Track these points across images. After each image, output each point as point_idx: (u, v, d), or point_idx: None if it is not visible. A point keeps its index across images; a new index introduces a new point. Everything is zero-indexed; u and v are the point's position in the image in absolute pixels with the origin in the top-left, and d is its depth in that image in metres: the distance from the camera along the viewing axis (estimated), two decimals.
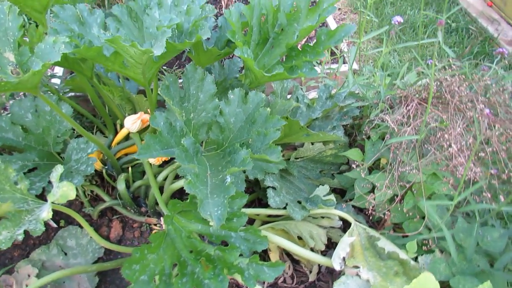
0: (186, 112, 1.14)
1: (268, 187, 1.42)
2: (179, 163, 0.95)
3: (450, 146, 1.13)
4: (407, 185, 1.32)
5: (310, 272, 1.57)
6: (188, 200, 1.23)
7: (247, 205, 1.80)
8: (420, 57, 2.92)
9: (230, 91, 1.16)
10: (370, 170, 1.68)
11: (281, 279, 1.58)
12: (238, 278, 1.13)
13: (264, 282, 1.53)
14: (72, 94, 1.90)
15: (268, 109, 1.15)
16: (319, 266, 1.57)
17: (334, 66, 2.30)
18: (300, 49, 1.38)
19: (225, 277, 1.12)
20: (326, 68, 2.15)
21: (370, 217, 1.68)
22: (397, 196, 1.39)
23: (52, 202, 0.96)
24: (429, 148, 1.22)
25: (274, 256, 1.51)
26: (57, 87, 1.77)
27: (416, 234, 1.35)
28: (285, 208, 1.37)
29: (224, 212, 0.86)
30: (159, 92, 1.07)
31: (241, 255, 1.17)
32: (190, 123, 1.15)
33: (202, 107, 1.17)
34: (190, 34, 1.18)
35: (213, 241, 1.23)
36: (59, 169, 0.98)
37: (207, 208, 0.85)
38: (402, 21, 1.30)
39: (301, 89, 2.22)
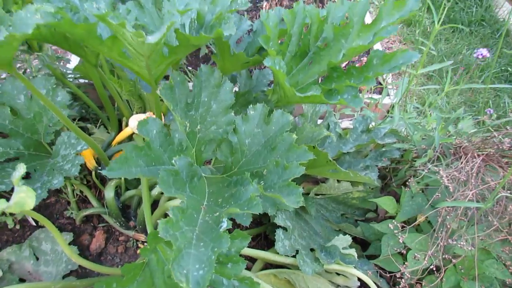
0: (192, 122, 0.92)
1: (279, 226, 1.18)
2: (163, 190, 0.72)
3: None
4: (453, 260, 1.05)
5: None
6: None
7: (251, 239, 1.56)
8: (472, 102, 2.63)
9: (250, 105, 0.94)
10: (402, 226, 1.42)
11: None
12: None
13: None
14: (85, 80, 1.72)
15: (294, 135, 0.91)
16: None
17: (376, 96, 2.05)
18: (345, 71, 1.14)
19: None
20: (365, 97, 1.90)
21: (396, 286, 1.41)
22: (434, 267, 1.12)
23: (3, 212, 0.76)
24: (491, 220, 0.95)
25: None
26: (69, 71, 1.59)
27: None
28: (294, 256, 1.13)
29: (207, 275, 0.62)
30: (158, 92, 0.86)
31: None
32: (194, 136, 0.93)
33: (212, 120, 0.94)
34: (210, 27, 0.97)
35: None
36: (21, 169, 0.78)
37: (185, 264, 0.61)
38: (488, 55, 1.05)
39: (334, 115, 1.98)
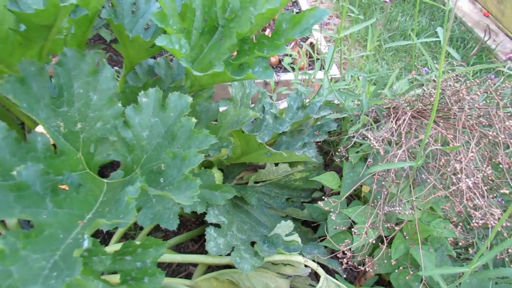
0: (67, 120, 0.77)
1: (209, 224, 1.06)
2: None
3: (456, 174, 0.78)
4: (396, 227, 0.97)
5: None
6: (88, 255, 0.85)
7: (191, 240, 1.43)
8: (411, 67, 2.61)
9: (142, 92, 0.80)
10: (350, 199, 1.33)
11: None
12: None
13: None
14: None
15: (194, 119, 0.79)
16: None
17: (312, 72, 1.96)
18: (255, 41, 1.03)
19: None
20: (301, 73, 1.81)
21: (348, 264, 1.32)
22: (382, 239, 1.04)
23: None
24: (427, 178, 0.87)
25: None
26: None
27: None
28: (230, 254, 1.01)
29: None
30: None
31: None
32: (76, 137, 0.78)
33: (96, 114, 0.80)
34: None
35: None
36: None
37: None
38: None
39: (270, 97, 1.88)
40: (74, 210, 0.67)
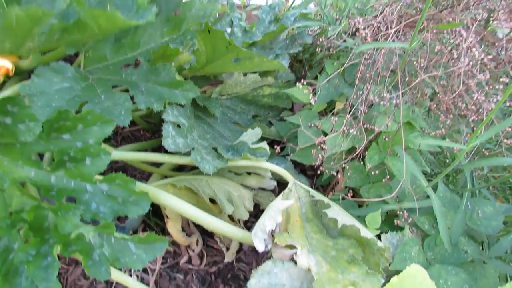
0: None
1: (167, 122, 0.93)
2: None
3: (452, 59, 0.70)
4: (374, 130, 0.89)
5: (228, 249, 1.12)
6: (11, 122, 0.70)
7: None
8: None
9: None
10: (323, 116, 1.25)
11: (185, 258, 1.10)
12: (82, 260, 0.63)
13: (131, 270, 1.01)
14: None
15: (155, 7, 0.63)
16: (241, 242, 1.12)
17: None
18: None
19: (54, 260, 0.62)
20: None
21: (316, 180, 1.26)
22: (355, 150, 0.96)
23: None
24: (413, 72, 0.79)
25: (173, 226, 1.03)
26: None
27: (379, 203, 0.93)
28: (190, 154, 0.89)
29: None
30: None
31: (96, 221, 0.67)
32: None
33: None
34: None
35: (55, 198, 0.72)
36: None
37: None
38: None
39: (240, 14, 1.72)
40: None
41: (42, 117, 0.65)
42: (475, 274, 0.82)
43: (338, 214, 0.75)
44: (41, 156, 1.04)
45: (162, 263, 1.08)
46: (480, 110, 0.73)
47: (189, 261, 1.11)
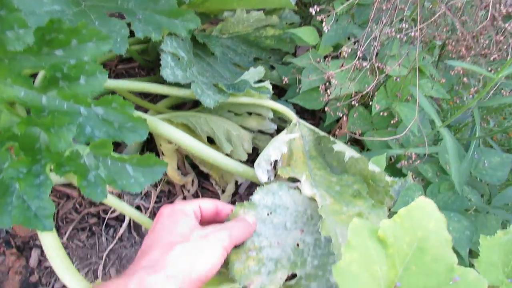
0: None
1: (166, 52, 0.86)
2: None
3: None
4: (383, 71, 0.84)
5: (223, 191, 1.10)
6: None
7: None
8: None
9: None
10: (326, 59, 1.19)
11: (180, 198, 1.08)
12: (76, 181, 0.60)
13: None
14: None
15: None
16: (237, 184, 1.10)
17: None
18: None
19: (47, 179, 0.58)
20: None
21: (319, 122, 1.23)
22: (362, 94, 0.92)
23: None
24: (436, 9, 0.73)
25: (169, 164, 1.00)
26: None
27: (383, 148, 0.91)
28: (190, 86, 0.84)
29: None
30: None
31: (88, 144, 0.63)
32: None
33: None
34: None
35: None
36: None
37: None
38: None
39: None
40: None
41: (33, 25, 0.59)
42: (477, 224, 0.82)
43: (345, 149, 0.72)
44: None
45: (156, 202, 1.06)
46: (505, 47, 0.69)
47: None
